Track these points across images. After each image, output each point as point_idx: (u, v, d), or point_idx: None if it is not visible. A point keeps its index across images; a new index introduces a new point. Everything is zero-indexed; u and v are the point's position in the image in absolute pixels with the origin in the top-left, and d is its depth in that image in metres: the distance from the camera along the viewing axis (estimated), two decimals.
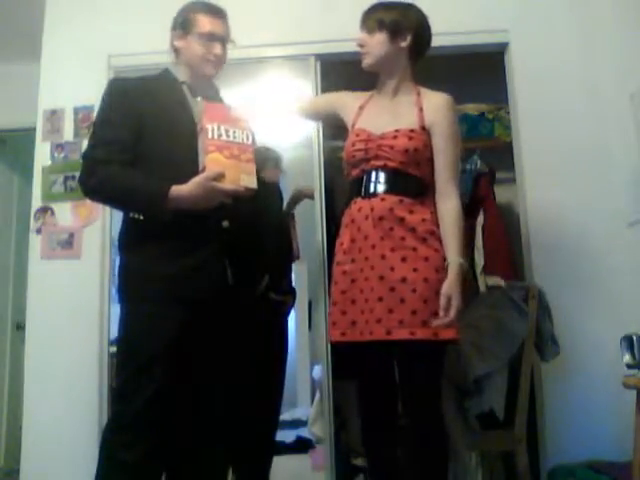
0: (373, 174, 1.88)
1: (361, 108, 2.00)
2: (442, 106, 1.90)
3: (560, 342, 2.35)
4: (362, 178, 1.90)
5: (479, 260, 3.06)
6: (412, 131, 1.86)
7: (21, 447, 2.73)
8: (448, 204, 1.85)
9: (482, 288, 2.95)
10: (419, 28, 1.94)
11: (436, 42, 2.83)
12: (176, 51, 1.92)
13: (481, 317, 2.32)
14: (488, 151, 3.22)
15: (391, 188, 1.85)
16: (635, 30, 2.47)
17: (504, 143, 3.11)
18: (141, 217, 1.76)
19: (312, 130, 2.88)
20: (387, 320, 1.75)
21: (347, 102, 2.05)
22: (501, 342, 2.22)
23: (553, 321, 2.35)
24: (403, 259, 1.79)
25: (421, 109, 1.90)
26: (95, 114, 1.87)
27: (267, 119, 2.45)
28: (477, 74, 3.13)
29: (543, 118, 2.79)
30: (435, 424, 1.81)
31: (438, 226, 1.84)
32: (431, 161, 1.88)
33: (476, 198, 3.22)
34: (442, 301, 1.73)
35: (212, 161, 1.66)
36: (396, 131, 1.87)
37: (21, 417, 2.77)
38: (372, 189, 1.87)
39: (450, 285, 1.75)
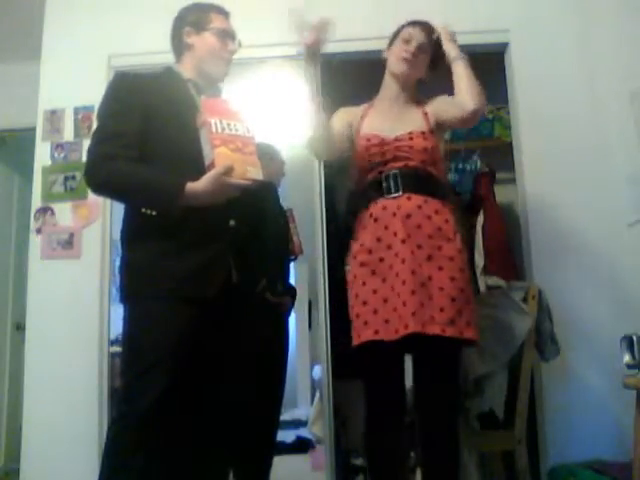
0: (393, 175, 1.90)
1: (362, 117, 2.04)
2: (439, 97, 2.03)
3: (560, 342, 2.35)
4: (380, 179, 1.91)
5: (479, 260, 3.07)
6: (424, 133, 1.94)
7: (21, 447, 2.73)
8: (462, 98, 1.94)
9: (482, 288, 2.95)
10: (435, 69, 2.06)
11: None
12: (188, 47, 1.90)
13: (481, 317, 2.31)
14: (488, 151, 3.23)
15: (415, 188, 1.88)
16: (635, 30, 2.47)
17: (504, 143, 3.12)
18: (153, 212, 1.73)
19: None
20: (421, 314, 1.75)
21: (352, 113, 2.08)
22: (501, 342, 2.22)
23: (553, 321, 2.35)
24: (429, 257, 1.81)
25: (426, 114, 1.98)
26: (98, 108, 1.83)
27: (267, 119, 2.45)
28: (477, 74, 3.13)
29: (543, 118, 2.79)
30: (452, 426, 1.82)
31: (458, 229, 1.90)
32: (442, 162, 1.99)
33: (476, 198, 3.23)
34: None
35: (220, 155, 1.66)
36: (410, 133, 1.93)
37: (21, 417, 2.77)
38: (395, 188, 1.88)
39: None
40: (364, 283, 1.86)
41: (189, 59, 1.91)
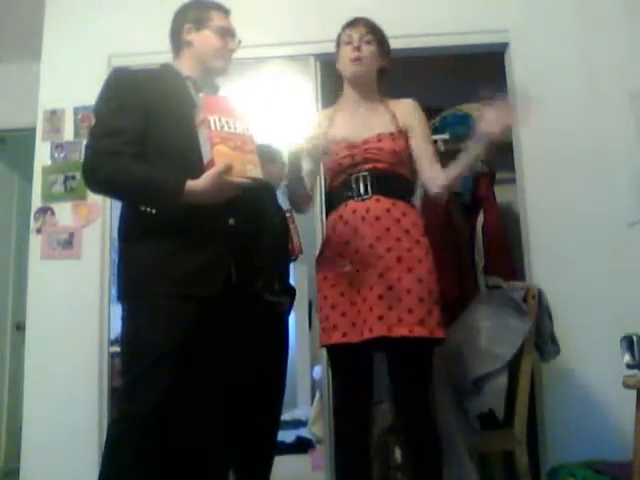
0: (363, 177, 1.92)
1: (330, 119, 2.05)
2: (413, 109, 2.03)
3: (560, 342, 2.35)
4: (350, 182, 1.94)
5: (479, 260, 3.06)
6: (392, 134, 1.96)
7: (21, 447, 2.73)
8: (442, 173, 1.95)
9: (482, 288, 2.95)
10: (390, 54, 2.05)
11: (437, 42, 2.88)
12: (187, 45, 1.89)
13: (481, 317, 2.32)
14: (488, 151, 3.22)
15: (383, 190, 1.91)
16: (635, 30, 2.47)
17: (504, 143, 3.11)
18: (153, 211, 1.72)
19: None
20: (388, 317, 1.78)
21: (322, 115, 2.11)
22: (501, 342, 2.22)
23: (553, 321, 2.35)
24: (398, 259, 1.84)
25: (394, 115, 1.99)
26: (96, 104, 1.80)
27: (267, 119, 2.45)
28: (477, 74, 3.13)
29: (543, 118, 2.78)
30: (428, 424, 1.85)
31: (425, 233, 1.93)
32: (411, 161, 2.00)
33: (476, 198, 3.22)
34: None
35: (219, 153, 1.64)
36: (378, 135, 1.95)
37: (21, 417, 2.77)
38: (364, 191, 1.91)
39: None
40: (333, 285, 1.90)
41: (188, 56, 1.90)
